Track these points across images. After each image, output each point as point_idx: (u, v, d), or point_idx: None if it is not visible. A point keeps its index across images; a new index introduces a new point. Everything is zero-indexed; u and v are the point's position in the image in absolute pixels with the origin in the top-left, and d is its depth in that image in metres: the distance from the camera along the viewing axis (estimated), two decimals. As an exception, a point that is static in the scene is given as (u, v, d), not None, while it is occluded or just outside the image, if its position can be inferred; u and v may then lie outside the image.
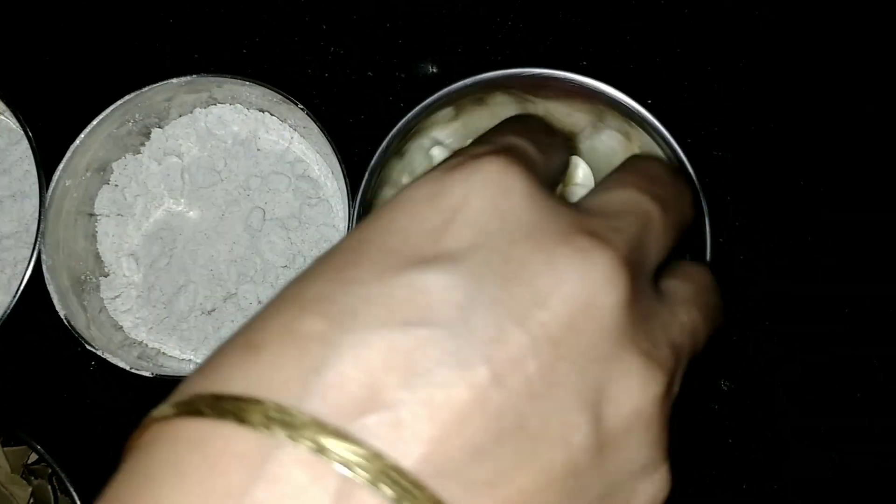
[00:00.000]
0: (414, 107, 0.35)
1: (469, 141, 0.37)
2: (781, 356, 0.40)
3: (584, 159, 0.38)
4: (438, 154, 0.37)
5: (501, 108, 0.36)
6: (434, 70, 0.44)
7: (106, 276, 0.38)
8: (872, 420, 0.39)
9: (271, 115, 0.39)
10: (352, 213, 0.34)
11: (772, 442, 0.39)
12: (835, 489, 0.38)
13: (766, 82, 0.43)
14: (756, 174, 0.42)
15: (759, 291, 0.40)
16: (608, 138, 0.37)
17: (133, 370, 0.33)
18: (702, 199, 0.33)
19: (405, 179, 0.37)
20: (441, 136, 0.37)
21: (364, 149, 0.41)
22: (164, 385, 0.34)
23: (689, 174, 0.33)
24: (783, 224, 0.41)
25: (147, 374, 0.33)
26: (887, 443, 0.38)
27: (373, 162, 0.35)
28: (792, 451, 0.39)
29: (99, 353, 0.33)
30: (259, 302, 0.37)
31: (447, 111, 0.35)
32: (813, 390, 0.39)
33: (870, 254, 0.41)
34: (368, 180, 0.34)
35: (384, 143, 0.35)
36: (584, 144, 0.38)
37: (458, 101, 0.35)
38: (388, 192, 0.36)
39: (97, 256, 0.38)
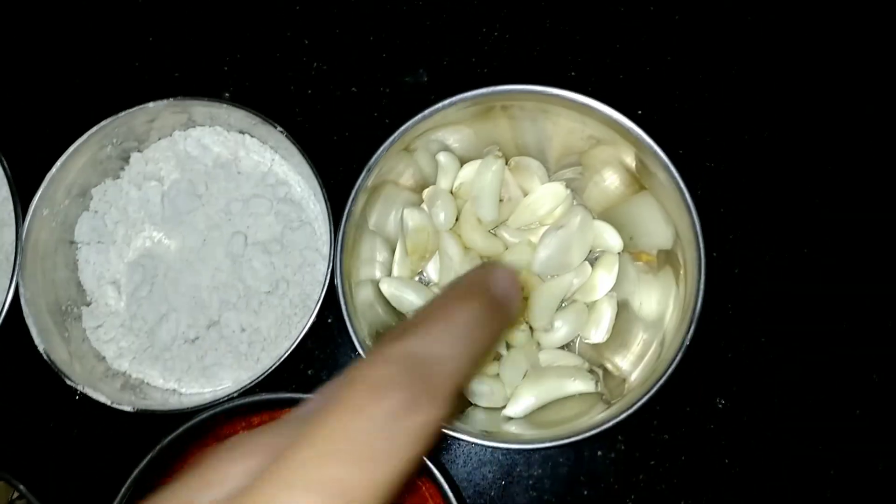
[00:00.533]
0: (399, 122, 0.34)
1: (476, 151, 0.37)
2: (777, 372, 0.39)
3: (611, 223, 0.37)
4: (444, 160, 0.36)
5: (516, 122, 0.35)
6: (421, 82, 0.43)
7: (88, 304, 0.37)
8: (872, 434, 0.38)
9: (251, 136, 0.38)
10: (335, 237, 0.33)
11: (769, 460, 0.38)
12: (834, 507, 0.38)
13: (759, 90, 0.42)
14: (750, 185, 0.41)
15: (754, 306, 0.39)
16: (612, 176, 0.36)
17: (114, 405, 0.33)
18: (694, 213, 0.32)
19: (405, 180, 0.36)
20: (450, 141, 0.36)
21: (349, 167, 0.40)
22: (147, 419, 0.33)
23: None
24: (779, 236, 0.40)
25: (128, 408, 0.32)
26: (887, 443, 0.37)
27: (358, 183, 0.33)
28: (790, 469, 0.38)
29: (79, 387, 0.33)
30: (242, 329, 0.36)
31: (458, 116, 0.34)
32: (810, 407, 0.38)
33: (868, 265, 0.40)
34: (353, 202, 0.33)
35: (370, 163, 0.33)
36: (593, 193, 0.37)
37: (468, 110, 0.34)
38: (377, 212, 0.36)
39: (79, 285, 0.37)
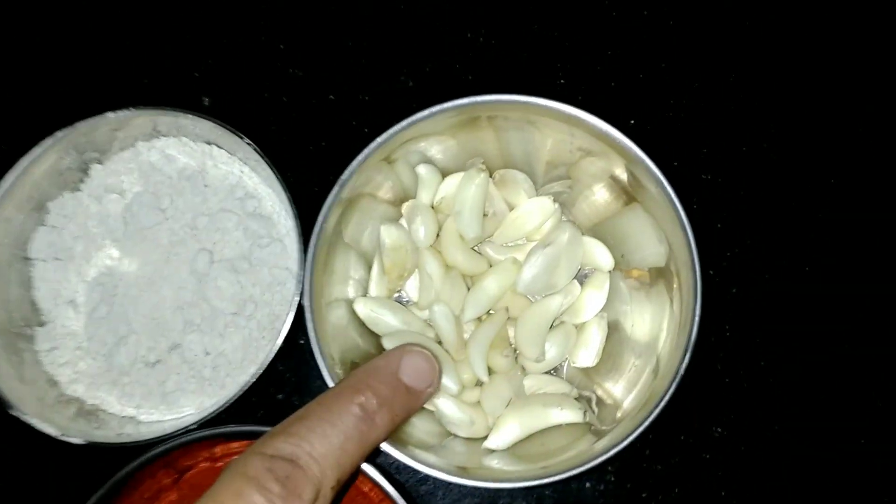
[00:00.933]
0: (379, 132, 0.32)
1: (460, 163, 0.35)
2: (777, 398, 0.37)
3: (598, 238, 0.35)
4: (424, 172, 0.34)
5: (502, 133, 0.33)
6: (402, 89, 0.40)
7: (42, 325, 0.35)
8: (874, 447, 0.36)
9: (219, 147, 0.36)
10: (304, 256, 0.31)
11: (768, 493, 0.36)
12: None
13: (758, 98, 0.40)
14: (749, 199, 0.39)
15: (753, 328, 0.37)
16: (601, 189, 0.34)
17: (63, 437, 0.30)
18: (688, 230, 0.30)
19: (383, 193, 0.34)
20: (433, 152, 0.34)
21: (325, 179, 0.37)
22: (98, 451, 0.31)
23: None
24: (779, 253, 0.38)
25: (78, 441, 0.30)
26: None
27: (330, 198, 0.31)
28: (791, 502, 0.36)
29: (25, 417, 0.30)
30: (206, 353, 0.34)
31: (440, 126, 0.32)
32: (812, 433, 0.36)
33: (870, 281, 0.38)
34: (325, 218, 0.31)
35: (342, 177, 0.31)
36: (582, 209, 0.36)
37: (450, 121, 0.32)
38: (352, 227, 0.33)
39: (33, 304, 0.35)
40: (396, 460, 0.28)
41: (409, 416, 0.27)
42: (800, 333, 0.37)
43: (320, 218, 0.30)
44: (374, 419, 0.24)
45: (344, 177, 0.31)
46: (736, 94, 0.40)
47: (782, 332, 0.37)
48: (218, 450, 0.32)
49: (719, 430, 0.36)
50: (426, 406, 0.33)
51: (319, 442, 0.22)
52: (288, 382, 0.36)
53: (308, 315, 0.30)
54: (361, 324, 0.34)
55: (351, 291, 0.34)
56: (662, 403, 0.28)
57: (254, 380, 0.32)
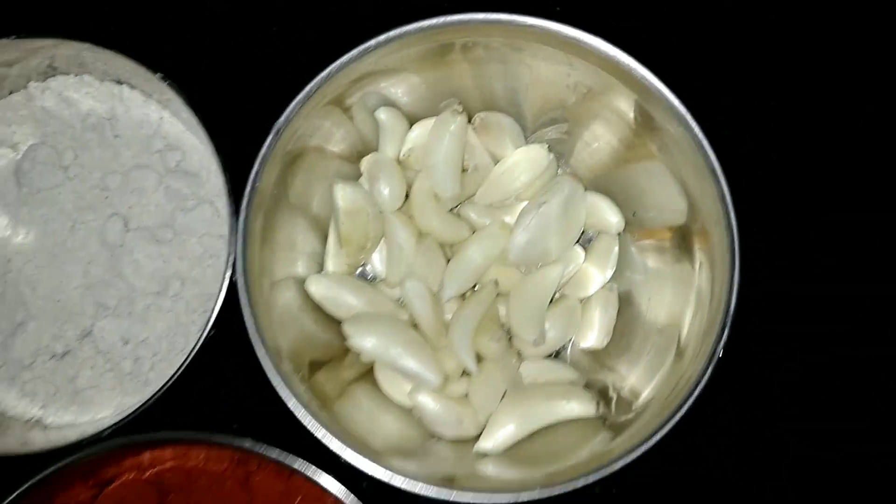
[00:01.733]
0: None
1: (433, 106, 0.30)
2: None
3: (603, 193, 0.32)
4: (386, 119, 0.30)
5: (481, 66, 0.29)
6: (361, 18, 0.35)
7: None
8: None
9: (132, 87, 0.31)
10: (236, 221, 0.25)
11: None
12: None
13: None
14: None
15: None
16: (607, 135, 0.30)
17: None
18: (721, 177, 0.26)
19: (335, 145, 0.30)
20: (396, 93, 0.30)
21: (268, 127, 0.32)
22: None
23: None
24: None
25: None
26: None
27: (263, 150, 0.27)
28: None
29: None
30: (125, 342, 0.29)
31: (403, 59, 0.28)
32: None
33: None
34: (258, 175, 0.26)
35: (278, 123, 0.27)
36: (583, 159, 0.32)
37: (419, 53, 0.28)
38: (300, 189, 0.28)
39: None
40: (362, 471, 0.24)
41: None
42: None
43: (252, 175, 0.26)
44: None
45: (280, 123, 0.26)
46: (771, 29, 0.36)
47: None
48: (146, 458, 0.28)
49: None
50: (402, 404, 0.28)
51: None
52: (224, 378, 0.31)
53: (243, 297, 0.25)
54: (317, 307, 0.29)
55: (302, 268, 0.29)
56: (697, 392, 0.24)
57: (181, 371, 0.27)
